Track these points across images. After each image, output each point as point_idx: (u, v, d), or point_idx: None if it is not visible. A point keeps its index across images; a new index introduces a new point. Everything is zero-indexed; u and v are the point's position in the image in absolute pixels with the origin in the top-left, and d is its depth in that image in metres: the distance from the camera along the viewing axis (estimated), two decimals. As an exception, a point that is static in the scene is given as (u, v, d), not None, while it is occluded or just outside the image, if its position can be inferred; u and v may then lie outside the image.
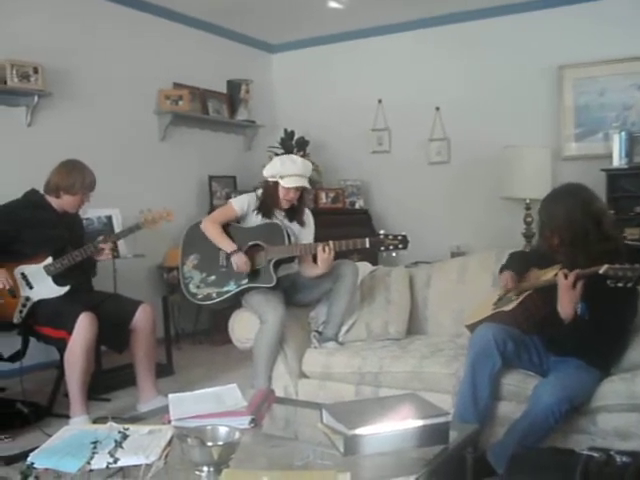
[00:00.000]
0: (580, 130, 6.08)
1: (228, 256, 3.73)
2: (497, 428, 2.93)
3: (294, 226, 3.86)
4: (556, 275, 2.88)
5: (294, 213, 3.87)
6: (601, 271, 2.67)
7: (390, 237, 3.50)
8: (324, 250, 3.58)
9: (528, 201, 5.72)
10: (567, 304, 2.82)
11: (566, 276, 2.81)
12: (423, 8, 6.31)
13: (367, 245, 3.52)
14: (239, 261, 3.69)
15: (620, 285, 2.64)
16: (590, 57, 5.90)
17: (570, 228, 2.88)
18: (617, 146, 5.63)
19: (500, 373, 2.94)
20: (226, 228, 3.82)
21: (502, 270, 3.36)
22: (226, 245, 3.74)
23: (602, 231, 2.91)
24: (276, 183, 3.75)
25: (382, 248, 3.53)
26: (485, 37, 6.35)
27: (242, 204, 3.83)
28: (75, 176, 3.88)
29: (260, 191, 3.88)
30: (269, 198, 3.81)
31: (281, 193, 3.75)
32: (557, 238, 2.93)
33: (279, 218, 3.83)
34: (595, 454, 2.52)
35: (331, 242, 3.60)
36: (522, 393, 2.91)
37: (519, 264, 3.31)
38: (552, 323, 2.90)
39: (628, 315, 2.95)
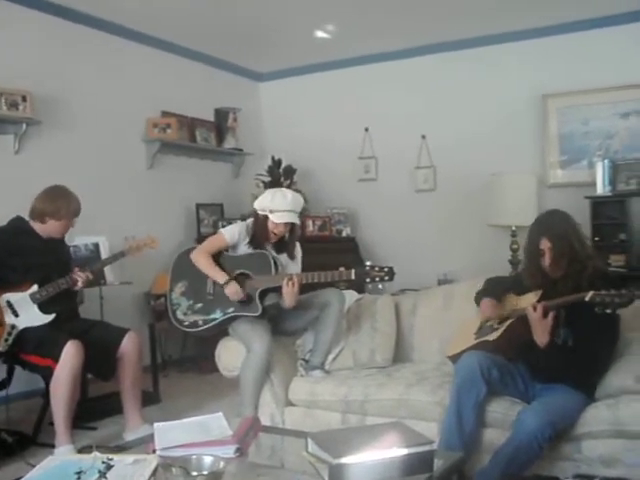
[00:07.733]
0: (565, 158, 6.15)
1: (221, 287, 3.71)
2: (483, 455, 2.93)
3: (283, 258, 3.85)
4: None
5: (284, 246, 3.86)
6: (587, 298, 2.70)
7: (376, 269, 3.49)
8: (287, 284, 3.58)
9: (514, 228, 5.76)
10: (540, 334, 2.90)
11: (535, 308, 2.88)
12: (409, 38, 6.41)
13: (353, 277, 3.52)
14: (232, 291, 3.68)
15: (608, 312, 2.66)
16: (574, 86, 5.99)
17: (568, 245, 2.94)
18: (600, 174, 5.69)
19: (485, 400, 2.95)
20: (215, 256, 3.82)
21: (479, 297, 3.38)
22: (218, 277, 3.73)
23: (588, 255, 2.98)
24: (266, 216, 3.75)
25: (368, 280, 3.53)
26: (470, 66, 6.44)
27: (233, 234, 3.83)
28: (60, 202, 3.87)
29: (251, 221, 3.87)
30: (259, 231, 3.79)
31: (270, 226, 3.75)
32: (565, 260, 2.95)
33: (268, 249, 3.81)
34: (579, 481, 2.54)
35: (295, 276, 3.60)
36: (508, 420, 2.91)
37: (496, 290, 3.34)
38: (535, 349, 2.93)
39: (611, 339, 2.98)
